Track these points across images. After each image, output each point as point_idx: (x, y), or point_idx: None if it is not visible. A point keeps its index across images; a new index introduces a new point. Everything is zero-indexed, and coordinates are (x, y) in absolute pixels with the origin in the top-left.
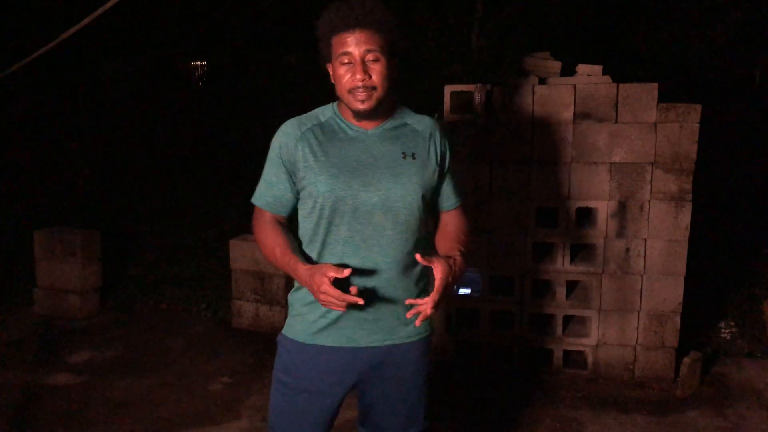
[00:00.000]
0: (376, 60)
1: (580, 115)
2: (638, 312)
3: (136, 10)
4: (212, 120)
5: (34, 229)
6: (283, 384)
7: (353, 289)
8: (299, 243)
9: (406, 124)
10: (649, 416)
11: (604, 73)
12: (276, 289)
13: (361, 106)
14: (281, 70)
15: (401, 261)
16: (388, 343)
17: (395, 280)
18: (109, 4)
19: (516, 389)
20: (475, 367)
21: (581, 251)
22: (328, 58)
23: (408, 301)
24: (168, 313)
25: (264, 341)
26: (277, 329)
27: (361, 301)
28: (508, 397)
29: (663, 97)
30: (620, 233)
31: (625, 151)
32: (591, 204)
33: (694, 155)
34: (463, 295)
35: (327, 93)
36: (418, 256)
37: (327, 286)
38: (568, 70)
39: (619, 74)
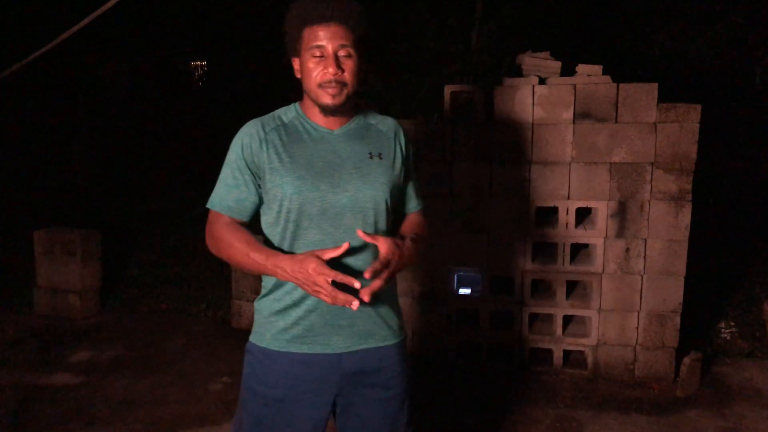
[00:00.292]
0: (348, 56)
1: (580, 115)
2: (638, 312)
3: (136, 10)
4: (212, 120)
5: (34, 229)
6: (260, 394)
7: (357, 284)
8: None
9: (370, 125)
10: (649, 416)
11: (604, 73)
12: None
13: (330, 101)
14: (281, 70)
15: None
16: (364, 347)
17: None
18: (109, 4)
19: (516, 389)
20: (475, 367)
21: (581, 251)
22: (296, 52)
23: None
24: (168, 313)
25: None
26: None
27: (354, 306)
28: (508, 397)
29: (663, 97)
30: (620, 233)
31: (625, 151)
32: (591, 204)
33: (694, 155)
34: (463, 295)
35: None
36: (359, 232)
37: (322, 280)
38: (568, 70)
39: (619, 74)
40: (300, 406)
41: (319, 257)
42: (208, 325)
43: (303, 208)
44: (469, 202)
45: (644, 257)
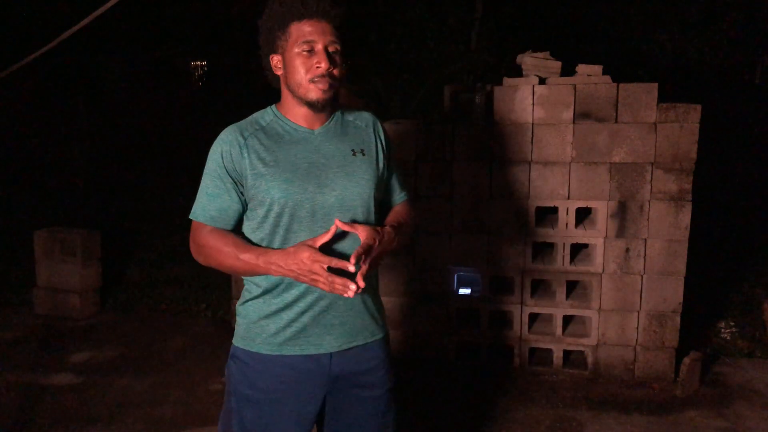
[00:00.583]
0: (336, 52)
1: (580, 115)
2: (638, 312)
3: (136, 9)
4: (212, 120)
5: (34, 229)
6: (253, 400)
7: (351, 267)
8: None
9: (348, 121)
10: (649, 416)
11: (604, 73)
12: None
13: (322, 96)
14: None
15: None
16: (354, 344)
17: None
18: (108, 4)
19: (516, 389)
20: (475, 367)
21: (581, 251)
22: (277, 48)
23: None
24: (168, 314)
25: None
26: None
27: (351, 291)
28: (508, 397)
29: (663, 97)
30: (620, 233)
31: (625, 151)
32: (591, 204)
33: (694, 155)
34: (463, 295)
35: None
36: (337, 221)
37: (318, 267)
38: (568, 70)
39: (619, 74)
40: (293, 406)
41: (311, 246)
42: (208, 325)
43: (292, 211)
44: (469, 202)
45: (644, 257)
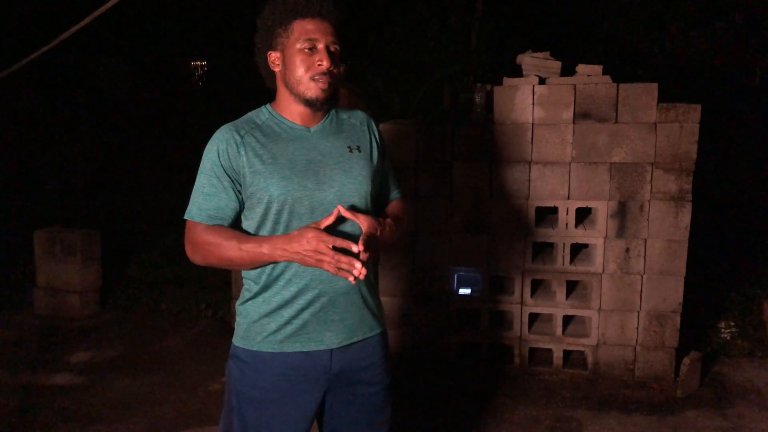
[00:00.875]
0: (336, 52)
1: (580, 115)
2: (638, 312)
3: (136, 9)
4: (212, 120)
5: (34, 229)
6: (254, 399)
7: (355, 247)
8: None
9: (343, 119)
10: (649, 416)
11: (604, 73)
12: None
13: (321, 94)
14: None
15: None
16: (354, 340)
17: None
18: (109, 4)
19: (516, 389)
20: (475, 367)
21: (581, 251)
22: (276, 45)
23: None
24: (168, 313)
25: None
26: None
27: (356, 270)
28: (508, 397)
29: (663, 97)
30: (620, 233)
31: (625, 151)
32: (591, 204)
33: (694, 155)
34: (463, 295)
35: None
36: (339, 207)
37: (324, 246)
38: (568, 70)
39: (619, 74)
40: (293, 404)
41: (315, 227)
42: (208, 325)
43: (292, 207)
44: (469, 202)
45: (644, 257)
